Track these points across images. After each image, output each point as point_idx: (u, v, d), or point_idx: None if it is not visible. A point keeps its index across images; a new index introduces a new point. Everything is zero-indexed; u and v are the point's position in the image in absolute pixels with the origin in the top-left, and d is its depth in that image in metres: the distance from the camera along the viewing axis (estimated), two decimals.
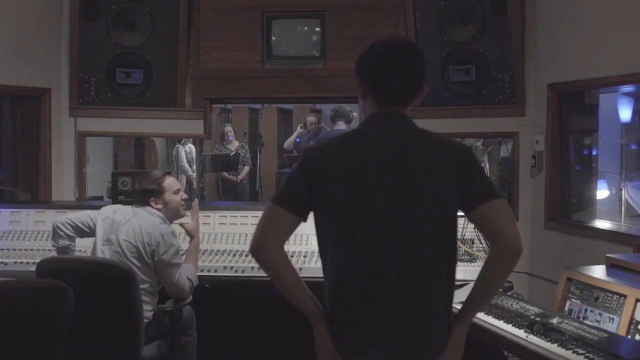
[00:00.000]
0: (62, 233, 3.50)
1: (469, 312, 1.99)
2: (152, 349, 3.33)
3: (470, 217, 1.91)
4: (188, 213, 3.73)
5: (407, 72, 1.96)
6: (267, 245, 1.89)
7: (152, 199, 3.49)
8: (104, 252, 3.36)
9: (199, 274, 3.61)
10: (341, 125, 6.65)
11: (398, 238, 1.87)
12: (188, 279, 3.40)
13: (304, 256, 3.79)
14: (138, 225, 3.35)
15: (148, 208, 3.47)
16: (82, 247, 3.68)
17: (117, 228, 3.38)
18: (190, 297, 3.44)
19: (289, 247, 3.88)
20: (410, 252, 1.88)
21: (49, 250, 3.77)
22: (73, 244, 3.55)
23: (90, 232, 3.51)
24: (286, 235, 1.94)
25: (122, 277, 3.05)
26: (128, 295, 3.06)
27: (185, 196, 3.61)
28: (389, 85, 1.96)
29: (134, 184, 3.65)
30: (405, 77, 1.96)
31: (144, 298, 3.24)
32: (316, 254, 3.80)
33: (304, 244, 3.88)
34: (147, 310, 3.28)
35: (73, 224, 3.51)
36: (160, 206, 3.50)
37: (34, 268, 3.28)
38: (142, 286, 3.25)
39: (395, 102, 1.98)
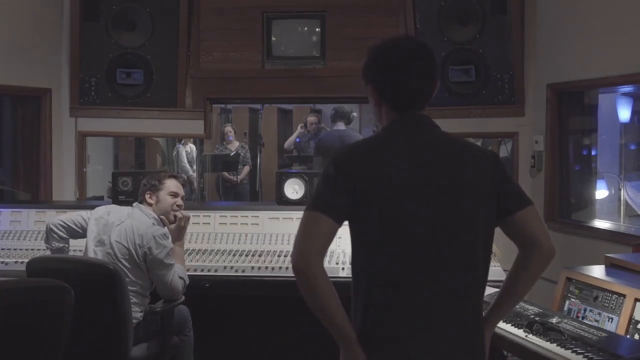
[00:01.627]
0: (55, 235, 3.50)
1: (496, 316, 1.97)
2: (141, 349, 3.32)
3: (502, 224, 1.88)
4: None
5: (421, 74, 1.88)
6: (312, 257, 1.74)
7: (148, 192, 3.54)
8: (97, 253, 3.37)
9: (199, 273, 3.63)
10: (341, 126, 6.65)
11: (445, 249, 1.79)
12: (180, 277, 3.41)
13: None
14: (130, 226, 3.35)
15: (143, 207, 3.49)
16: (79, 246, 3.68)
17: (110, 229, 3.38)
18: (182, 297, 3.44)
19: (289, 246, 3.89)
20: (457, 261, 1.80)
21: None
22: (67, 245, 3.56)
23: (83, 233, 3.51)
24: (328, 245, 1.79)
25: (109, 277, 3.05)
26: (115, 296, 3.05)
27: (180, 203, 3.61)
28: (406, 91, 1.87)
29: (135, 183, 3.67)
30: (419, 79, 1.87)
31: (133, 300, 3.24)
32: None
33: None
34: (137, 312, 3.28)
35: (66, 225, 3.52)
36: (152, 202, 3.53)
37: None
38: (132, 288, 3.25)
39: (415, 106, 1.90)
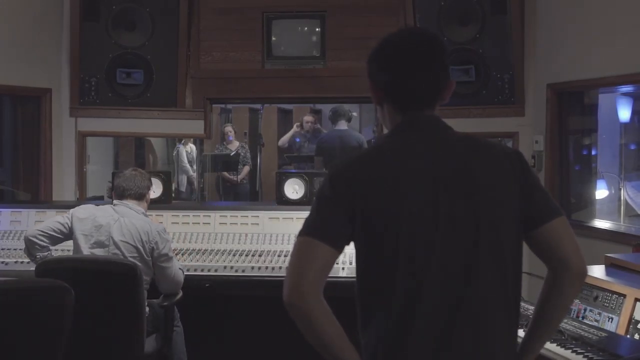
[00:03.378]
0: (37, 246, 3.45)
1: (532, 350, 1.73)
2: (150, 342, 3.40)
3: (526, 237, 1.65)
4: None
5: (427, 72, 1.65)
6: (306, 289, 1.51)
7: (149, 192, 3.62)
8: (95, 254, 3.38)
9: (199, 273, 3.66)
10: (342, 125, 6.66)
11: (469, 271, 1.56)
12: (180, 269, 3.49)
13: None
14: (132, 224, 3.39)
15: (131, 204, 3.50)
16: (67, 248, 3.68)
17: (108, 229, 3.38)
18: (181, 292, 3.49)
19: (289, 246, 3.89)
20: (482, 285, 1.57)
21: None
22: (50, 252, 3.52)
23: (63, 238, 3.50)
24: (325, 276, 1.55)
25: (127, 274, 3.12)
26: (133, 292, 3.13)
27: None
28: (408, 87, 1.65)
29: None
30: (425, 78, 1.64)
31: None
32: None
33: None
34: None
35: (46, 234, 3.46)
36: (149, 200, 3.65)
37: (34, 268, 3.29)
38: None
39: (420, 105, 1.66)
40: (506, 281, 1.61)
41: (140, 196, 3.55)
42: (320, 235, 1.55)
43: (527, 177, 1.64)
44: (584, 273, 1.65)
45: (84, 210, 3.51)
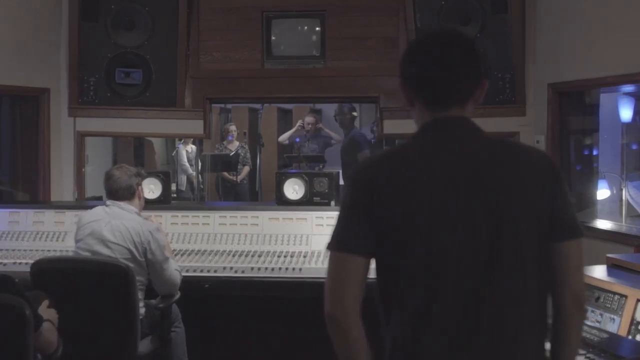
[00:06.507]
0: None
1: None
2: (145, 343, 3.38)
3: None
4: None
5: (455, 68, 1.63)
6: (350, 306, 1.56)
7: (140, 187, 3.56)
8: (89, 256, 3.36)
9: (199, 274, 3.64)
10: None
11: (488, 280, 1.54)
12: (175, 269, 3.45)
13: (304, 256, 3.78)
14: (123, 226, 3.36)
15: (122, 204, 3.46)
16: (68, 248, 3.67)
17: (99, 232, 3.36)
18: (179, 293, 3.46)
19: (289, 247, 3.89)
20: (501, 295, 1.55)
21: (48, 250, 3.78)
22: None
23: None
24: (364, 285, 1.58)
25: (120, 275, 3.11)
26: (126, 293, 3.12)
27: None
28: (436, 86, 1.63)
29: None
30: (453, 73, 1.63)
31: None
32: (316, 254, 3.79)
33: (304, 244, 3.88)
34: (140, 307, 3.32)
35: None
36: (141, 194, 3.58)
37: (29, 268, 3.28)
38: None
39: (450, 104, 1.64)
40: (526, 289, 1.57)
41: (129, 195, 3.50)
42: (351, 248, 1.58)
43: (555, 189, 1.61)
44: (582, 302, 1.62)
45: (81, 219, 3.48)
